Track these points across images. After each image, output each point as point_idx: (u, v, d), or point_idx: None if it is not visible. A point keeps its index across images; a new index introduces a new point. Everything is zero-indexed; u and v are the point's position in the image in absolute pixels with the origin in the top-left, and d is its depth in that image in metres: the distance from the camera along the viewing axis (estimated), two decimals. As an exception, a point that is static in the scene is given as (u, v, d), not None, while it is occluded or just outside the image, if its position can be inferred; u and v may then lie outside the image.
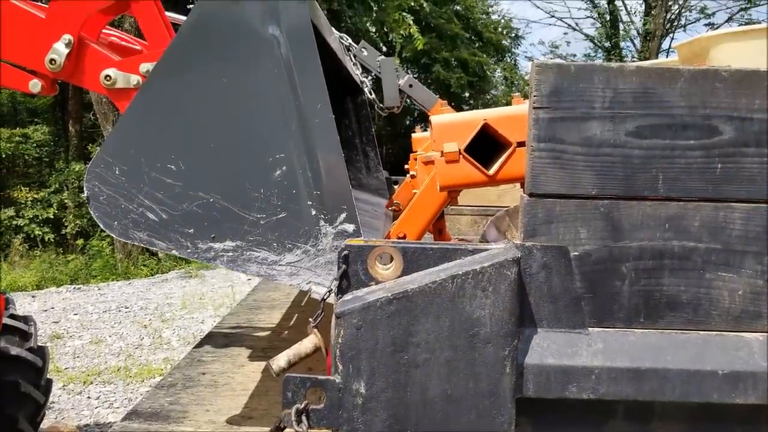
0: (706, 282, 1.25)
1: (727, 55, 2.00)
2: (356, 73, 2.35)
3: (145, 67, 1.72)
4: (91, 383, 5.54)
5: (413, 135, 3.09)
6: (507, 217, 2.91)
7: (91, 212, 1.35)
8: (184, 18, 2.72)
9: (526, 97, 1.72)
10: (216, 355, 2.39)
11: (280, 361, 1.20)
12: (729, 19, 20.32)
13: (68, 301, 9.10)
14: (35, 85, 1.81)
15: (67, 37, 1.73)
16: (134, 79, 1.73)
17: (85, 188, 1.35)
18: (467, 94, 21.52)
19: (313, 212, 1.31)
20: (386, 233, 2.21)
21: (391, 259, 1.24)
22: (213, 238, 1.33)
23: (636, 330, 1.26)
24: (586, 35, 22.87)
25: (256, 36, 1.29)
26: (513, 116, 1.55)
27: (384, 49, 15.04)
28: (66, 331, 7.35)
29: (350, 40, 2.30)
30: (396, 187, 3.60)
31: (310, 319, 1.22)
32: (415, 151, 3.03)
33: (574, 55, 23.60)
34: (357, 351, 1.15)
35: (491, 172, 1.55)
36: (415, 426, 1.16)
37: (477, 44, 20.90)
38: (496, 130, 1.55)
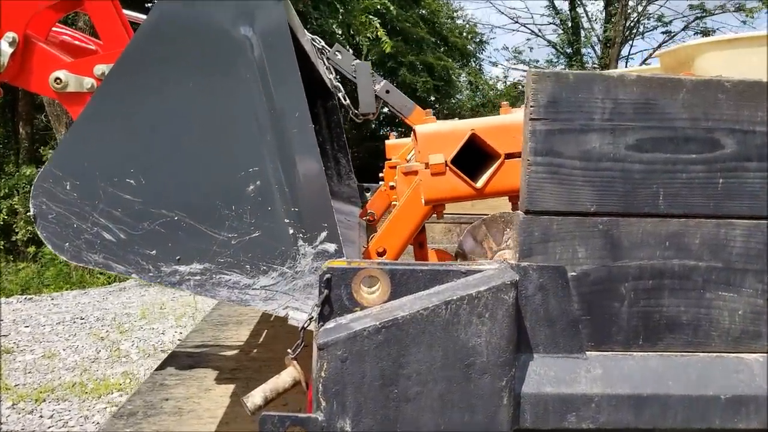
0: (707, 302, 1.19)
1: (712, 64, 1.98)
2: (329, 77, 2.24)
3: (101, 69, 1.58)
4: (44, 401, 5.26)
5: (387, 142, 2.99)
6: (484, 225, 2.84)
7: (39, 233, 1.21)
8: (144, 17, 2.56)
9: (513, 105, 1.64)
10: (180, 377, 2.23)
11: (256, 397, 1.09)
12: (685, 28, 20.90)
13: (19, 312, 8.68)
14: None
15: (10, 35, 1.57)
16: (88, 82, 1.59)
17: (31, 206, 1.21)
18: (433, 98, 21.62)
19: (291, 231, 1.20)
20: (362, 245, 2.11)
21: (378, 282, 1.14)
22: (178, 261, 1.21)
23: (635, 353, 1.19)
24: (549, 41, 23.20)
25: (227, 37, 1.17)
26: (502, 126, 1.47)
27: (351, 52, 14.92)
28: (16, 345, 6.99)
29: (323, 43, 2.19)
30: (368, 194, 3.50)
31: (289, 350, 1.11)
32: (389, 159, 2.93)
33: (537, 61, 23.91)
34: (342, 385, 1.05)
35: (479, 185, 1.47)
36: (406, 465, 1.06)
37: (442, 48, 20.99)
38: (484, 140, 1.47)
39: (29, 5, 1.54)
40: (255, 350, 2.44)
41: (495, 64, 24.43)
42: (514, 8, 24.27)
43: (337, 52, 2.10)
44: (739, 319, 1.19)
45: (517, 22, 23.03)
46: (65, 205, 1.19)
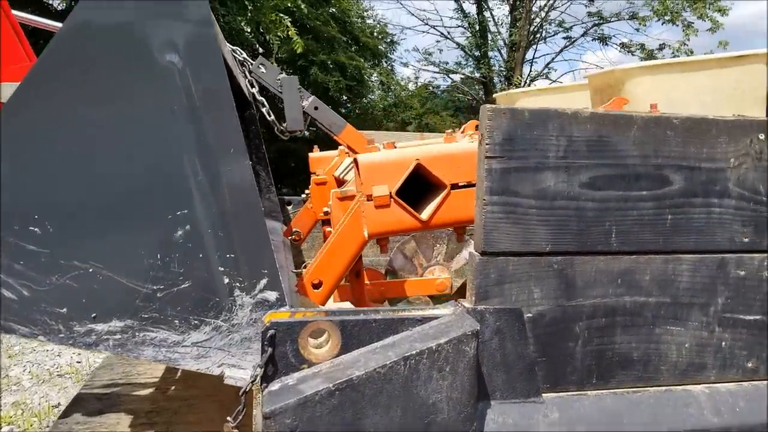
0: (656, 337, 1.19)
1: (642, 88, 2.03)
2: (252, 90, 2.10)
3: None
4: None
5: (311, 155, 2.87)
6: (413, 242, 2.80)
7: (-77, 292, 1.01)
8: (37, 19, 2.29)
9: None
10: (89, 425, 1.98)
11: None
12: (584, 34, 22.05)
13: None
14: None
15: None
16: None
17: None
18: (345, 98, 21.59)
19: (226, 280, 1.08)
20: (289, 268, 1.99)
21: (326, 333, 1.04)
22: (94, 318, 1.05)
23: (589, 392, 1.17)
24: (458, 44, 23.72)
25: (149, 60, 1.02)
26: (447, 155, 1.41)
27: (260, 50, 14.53)
28: None
29: (244, 54, 2.05)
30: (289, 208, 3.37)
31: (229, 419, 0.99)
32: (314, 173, 2.82)
33: (447, 63, 24.41)
34: (292, 455, 0.95)
35: (424, 217, 1.40)
36: None
37: (354, 48, 20.97)
38: (430, 171, 1.40)
39: None
40: (173, 387, 2.24)
41: (406, 65, 24.72)
42: (423, 10, 24.57)
43: (260, 65, 1.97)
44: (686, 352, 1.20)
45: (426, 23, 23.38)
46: None
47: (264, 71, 1.97)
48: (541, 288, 1.12)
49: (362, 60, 21.35)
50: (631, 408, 1.16)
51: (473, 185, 1.44)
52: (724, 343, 1.21)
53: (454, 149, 1.42)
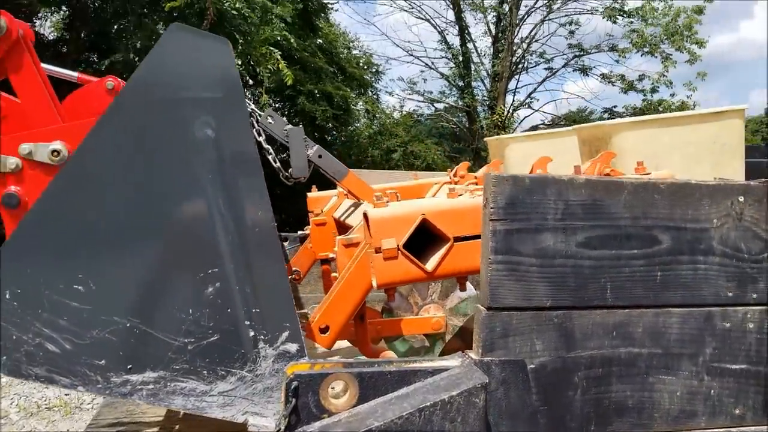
0: (649, 386, 1.27)
1: (628, 142, 2.16)
2: (259, 138, 2.20)
3: (26, 148, 1.46)
4: None
5: (309, 195, 2.97)
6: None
7: (-30, 345, 1.08)
8: (49, 68, 2.37)
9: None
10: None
11: None
12: (565, 65, 22.58)
13: None
14: None
15: None
16: (12, 161, 1.46)
17: (-38, 317, 1.08)
18: (331, 125, 21.78)
19: (252, 333, 1.15)
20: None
21: (344, 384, 1.12)
22: (129, 370, 1.12)
23: (588, 438, 1.25)
24: (442, 74, 24.12)
25: (189, 135, 1.12)
26: (451, 210, 1.51)
27: (250, 82, 14.70)
28: None
29: (253, 105, 2.15)
30: (285, 244, 3.44)
31: (257, 465, 1.06)
32: (311, 212, 2.91)
33: (431, 92, 24.78)
34: (315, 501, 1.02)
35: (430, 268, 1.49)
36: None
37: (340, 78, 21.22)
38: (435, 225, 1.50)
39: None
40: (177, 426, 2.28)
41: (391, 94, 25.01)
42: (408, 41, 25.00)
43: (269, 117, 2.07)
44: (678, 399, 1.29)
45: (411, 54, 23.77)
46: (4, 316, 1.07)
47: (272, 122, 2.07)
48: (543, 340, 1.21)
49: (348, 89, 21.64)
50: (627, 452, 1.24)
51: (475, 238, 1.54)
52: (712, 391, 1.31)
53: (456, 205, 1.52)
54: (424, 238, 1.55)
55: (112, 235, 1.12)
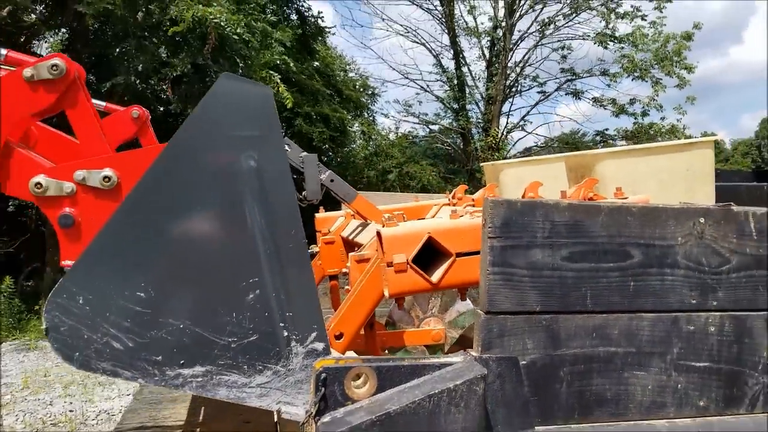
0: (624, 380, 1.48)
1: (609, 170, 2.39)
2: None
3: (81, 174, 1.66)
4: None
5: (317, 215, 3.18)
6: (411, 296, 3.09)
7: (50, 343, 1.27)
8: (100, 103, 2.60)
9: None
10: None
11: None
12: (558, 88, 23.03)
13: None
14: None
15: None
16: (68, 186, 1.66)
17: (44, 319, 1.27)
18: (327, 147, 22.04)
19: (285, 333, 1.36)
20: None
21: (365, 376, 1.32)
22: (182, 364, 1.31)
23: (573, 426, 1.45)
24: (437, 96, 24.52)
25: (235, 169, 1.33)
26: (453, 229, 1.72)
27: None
28: None
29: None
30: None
31: (292, 444, 1.26)
32: (319, 231, 3.12)
33: (426, 114, 25.12)
34: (343, 472, 1.21)
35: (435, 279, 1.70)
36: None
37: (337, 100, 21.55)
38: (439, 242, 1.71)
39: (14, 116, 1.60)
40: (198, 430, 2.45)
41: (387, 116, 25.40)
42: (404, 64, 25.39)
43: (286, 145, 2.29)
44: (649, 392, 1.49)
45: (407, 77, 24.17)
46: (78, 318, 1.27)
47: (289, 150, 2.29)
48: (533, 340, 1.41)
49: (345, 111, 21.95)
50: (606, 438, 1.44)
51: (474, 254, 1.75)
52: (680, 386, 1.51)
53: (457, 224, 1.73)
54: (429, 254, 1.76)
55: (168, 251, 1.33)
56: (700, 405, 1.52)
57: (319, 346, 1.38)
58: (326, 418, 1.26)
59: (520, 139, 24.18)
